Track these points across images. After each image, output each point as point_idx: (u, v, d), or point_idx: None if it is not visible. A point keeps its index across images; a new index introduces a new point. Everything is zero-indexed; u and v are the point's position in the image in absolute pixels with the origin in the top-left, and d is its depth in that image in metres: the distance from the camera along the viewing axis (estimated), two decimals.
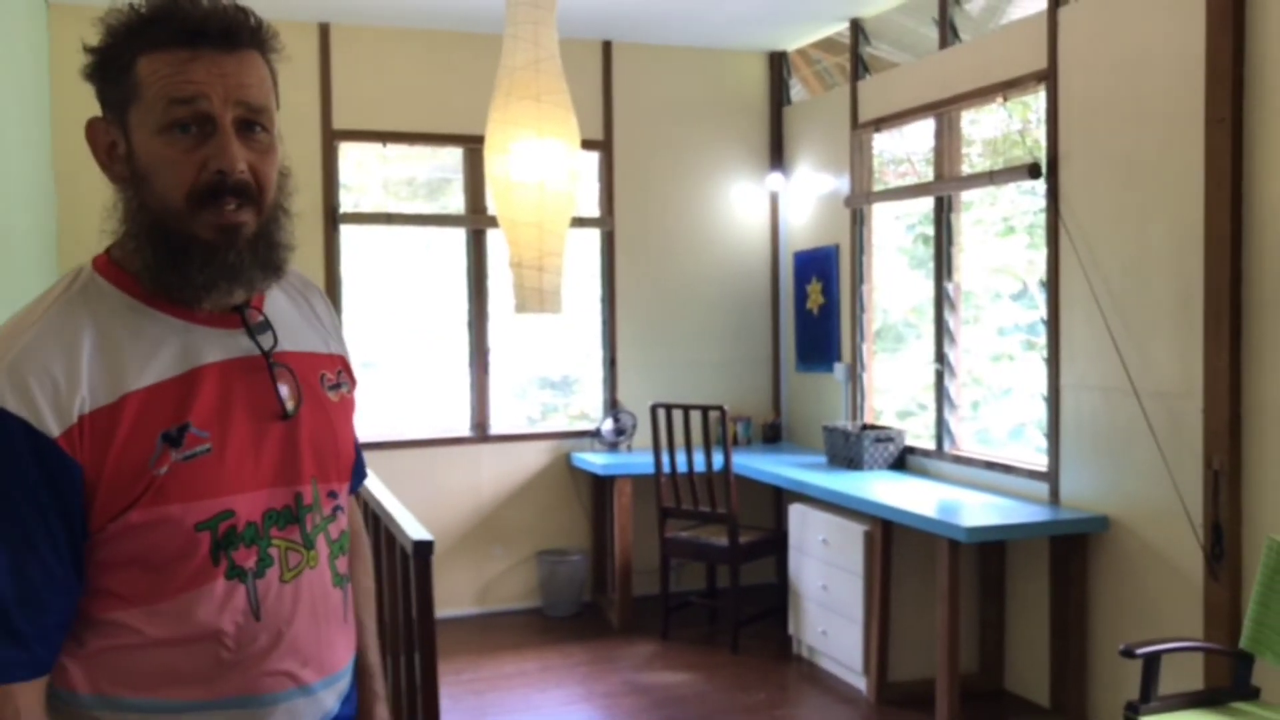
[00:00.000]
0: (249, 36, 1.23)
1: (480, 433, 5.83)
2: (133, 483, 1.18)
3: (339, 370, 1.43)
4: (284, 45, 1.30)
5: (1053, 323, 4.27)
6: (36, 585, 1.16)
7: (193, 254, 1.21)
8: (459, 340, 5.84)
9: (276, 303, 1.38)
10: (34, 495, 1.15)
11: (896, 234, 5.52)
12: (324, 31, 5.40)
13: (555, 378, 6.18)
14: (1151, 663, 3.05)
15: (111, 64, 1.23)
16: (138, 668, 1.22)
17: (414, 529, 2.71)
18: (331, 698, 1.36)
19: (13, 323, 1.22)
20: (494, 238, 5.77)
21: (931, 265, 5.09)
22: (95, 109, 4.97)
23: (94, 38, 1.25)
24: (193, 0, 1.21)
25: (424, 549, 2.62)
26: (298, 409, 1.32)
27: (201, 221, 1.21)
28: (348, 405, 1.43)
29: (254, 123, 1.24)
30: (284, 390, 1.31)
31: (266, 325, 1.32)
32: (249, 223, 1.23)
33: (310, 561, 1.31)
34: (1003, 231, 4.83)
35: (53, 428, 1.15)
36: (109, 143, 1.26)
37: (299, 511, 1.30)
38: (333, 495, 1.36)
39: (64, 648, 1.21)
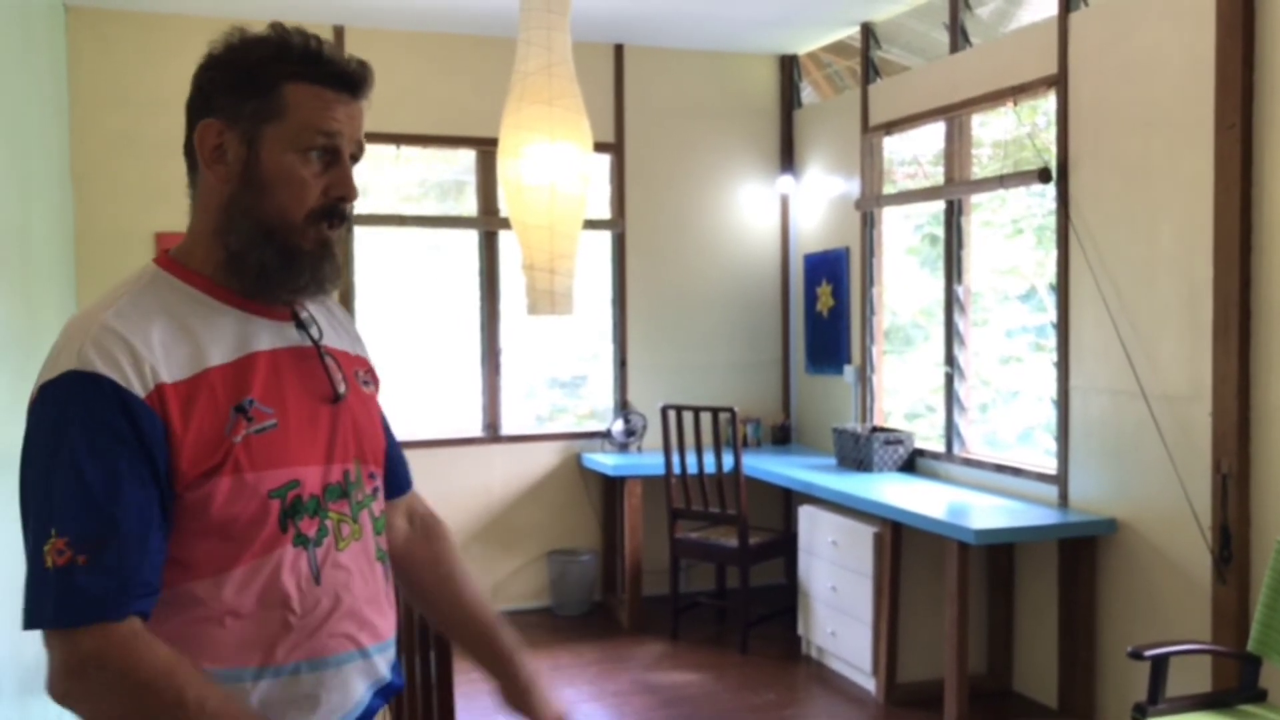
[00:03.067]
0: (369, 89, 1.43)
1: (491, 433, 5.87)
2: (214, 449, 1.29)
3: (367, 370, 1.56)
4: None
5: (1062, 326, 4.29)
6: (137, 530, 1.24)
7: (302, 262, 1.38)
8: (471, 341, 5.88)
9: (312, 307, 1.50)
10: (128, 444, 1.25)
11: (904, 234, 5.54)
12: (338, 34, 5.45)
13: (564, 378, 6.21)
14: (1159, 665, 3.07)
15: (253, 80, 1.35)
16: (215, 638, 1.30)
17: None
18: (384, 664, 1.46)
19: (90, 308, 1.34)
20: (506, 239, 5.81)
21: (939, 266, 5.11)
22: (113, 114, 5.00)
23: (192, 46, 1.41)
24: (332, 46, 1.40)
25: None
26: (345, 394, 1.45)
27: (307, 235, 1.38)
28: (375, 401, 1.56)
29: (356, 160, 1.44)
30: (335, 376, 1.45)
31: (312, 320, 1.47)
32: (335, 241, 1.42)
33: (356, 534, 1.43)
34: (1011, 233, 4.85)
35: (137, 388, 1.26)
36: (216, 144, 1.36)
37: (347, 487, 1.43)
38: (372, 476, 1.49)
39: (154, 606, 1.28)
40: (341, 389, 1.44)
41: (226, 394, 1.32)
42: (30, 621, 1.23)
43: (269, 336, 1.39)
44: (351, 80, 1.39)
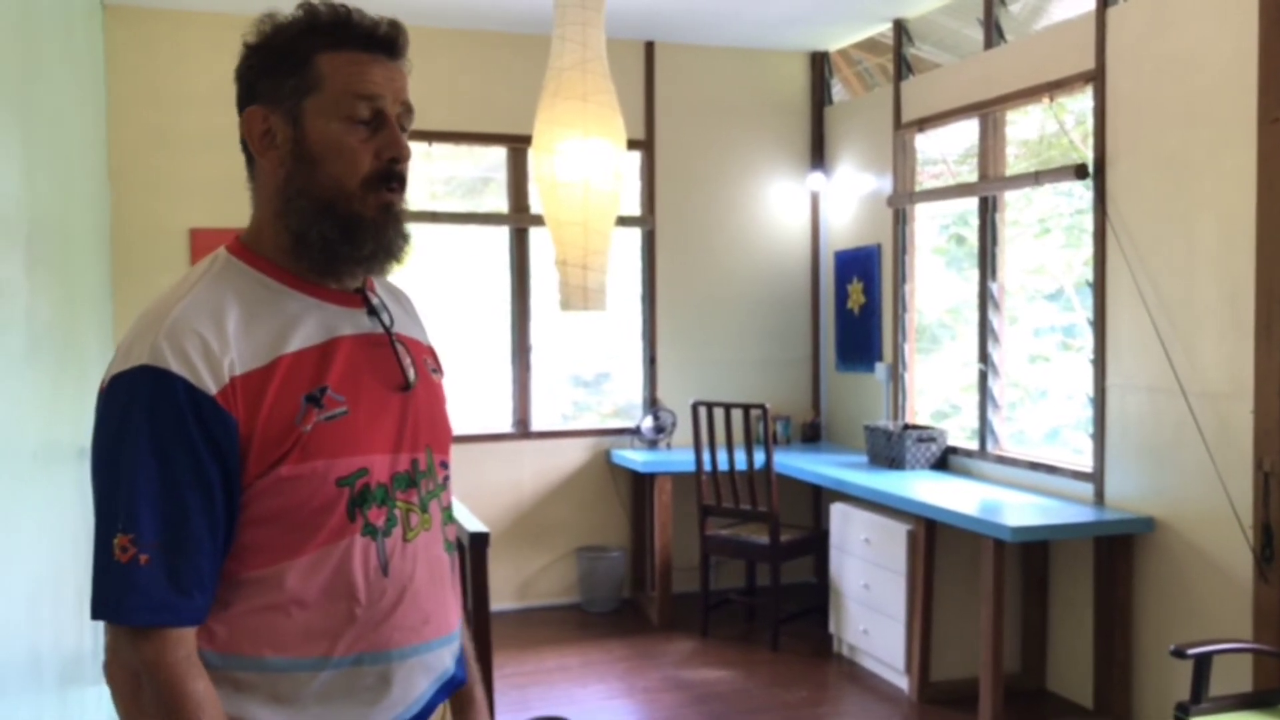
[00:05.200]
0: (404, 48, 1.40)
1: (522, 429, 5.88)
2: (282, 438, 1.28)
3: (434, 358, 1.56)
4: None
5: (1099, 323, 4.26)
6: (198, 536, 1.25)
7: (365, 230, 1.35)
8: (500, 337, 5.89)
9: (383, 295, 1.49)
10: (195, 450, 1.24)
11: (930, 234, 5.52)
12: None
13: (588, 376, 6.21)
14: (1202, 664, 3.04)
15: (287, 58, 1.35)
16: (279, 627, 1.30)
17: (470, 521, 2.76)
18: (449, 656, 1.44)
19: (161, 299, 1.33)
20: (536, 236, 5.81)
21: (966, 265, 5.09)
22: (150, 111, 5.07)
23: (241, 37, 1.38)
24: (360, 12, 1.36)
25: (480, 540, 2.66)
26: (415, 382, 1.43)
27: (367, 203, 1.35)
28: (443, 390, 1.55)
29: (405, 124, 1.40)
30: (406, 365, 1.43)
31: (384, 307, 1.45)
32: (399, 204, 1.38)
33: (425, 524, 1.41)
34: (1039, 233, 4.82)
35: (210, 386, 1.26)
36: (264, 130, 1.36)
37: (416, 476, 1.40)
38: (444, 465, 1.47)
39: (210, 610, 1.29)
40: (412, 377, 1.42)
41: (300, 381, 1.31)
42: (97, 613, 1.25)
43: (348, 322, 1.38)
44: (384, 40, 1.36)
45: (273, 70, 1.35)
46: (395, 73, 1.37)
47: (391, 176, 1.35)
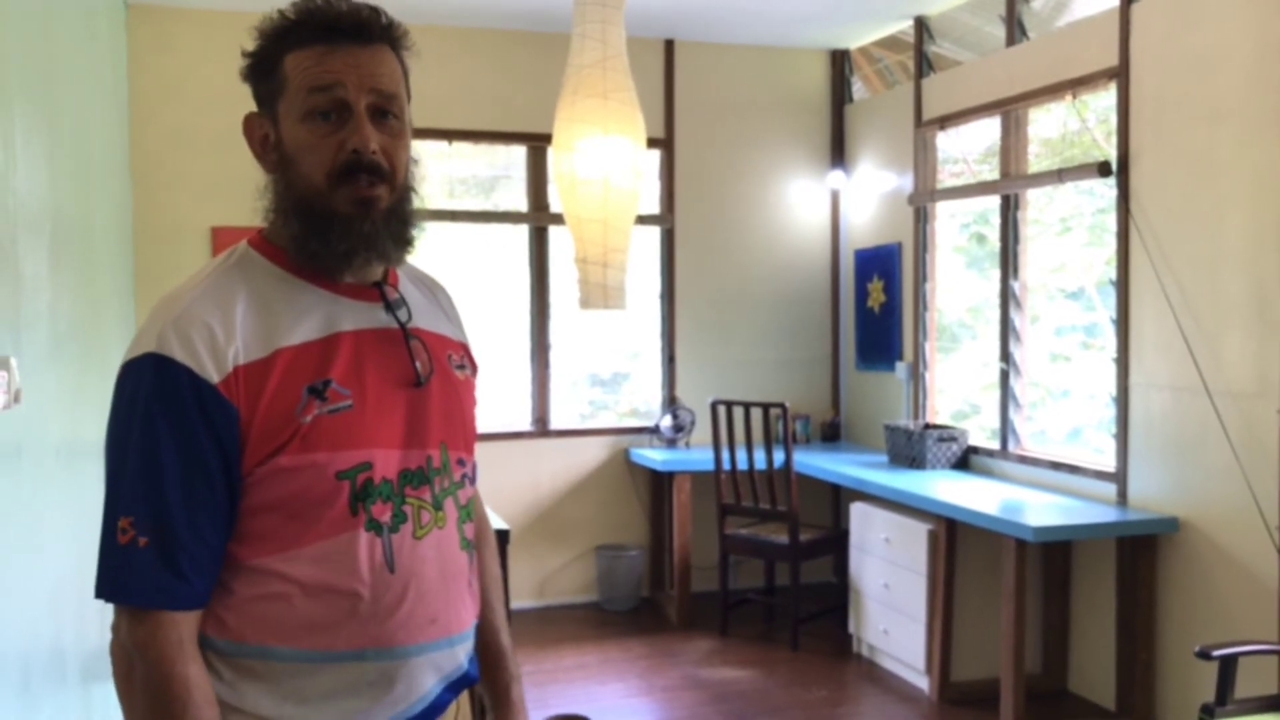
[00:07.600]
0: (380, 32, 1.37)
1: (540, 427, 5.88)
2: (281, 428, 1.29)
3: (462, 354, 1.54)
4: (414, 42, 1.43)
5: (1122, 322, 4.22)
6: (197, 521, 1.26)
7: (334, 225, 1.33)
8: (519, 336, 5.89)
9: (408, 289, 1.49)
10: (196, 436, 1.26)
11: (950, 233, 5.49)
12: None
13: (605, 375, 6.20)
14: (1228, 665, 3.01)
15: (263, 64, 1.37)
16: (282, 617, 1.30)
17: (490, 519, 2.76)
18: (460, 655, 1.44)
19: (178, 288, 1.35)
20: (555, 235, 5.82)
21: (987, 265, 5.06)
22: (172, 110, 5.11)
23: (247, 42, 1.39)
24: (330, 2, 1.34)
25: (500, 538, 2.66)
26: (429, 378, 1.42)
27: (341, 197, 1.33)
28: (470, 386, 1.53)
29: (386, 110, 1.36)
30: (418, 360, 1.41)
31: (402, 302, 1.44)
32: (382, 197, 1.35)
33: (439, 522, 1.39)
34: (1061, 231, 4.79)
35: (213, 375, 1.27)
36: (263, 135, 1.38)
37: (429, 473, 1.39)
38: (461, 463, 1.45)
39: (215, 596, 1.30)
40: (424, 373, 1.41)
41: (302, 373, 1.31)
42: (99, 591, 1.27)
43: (354, 317, 1.38)
44: (342, 27, 1.32)
45: (255, 77, 1.37)
46: (363, 59, 1.33)
47: (359, 168, 1.32)
